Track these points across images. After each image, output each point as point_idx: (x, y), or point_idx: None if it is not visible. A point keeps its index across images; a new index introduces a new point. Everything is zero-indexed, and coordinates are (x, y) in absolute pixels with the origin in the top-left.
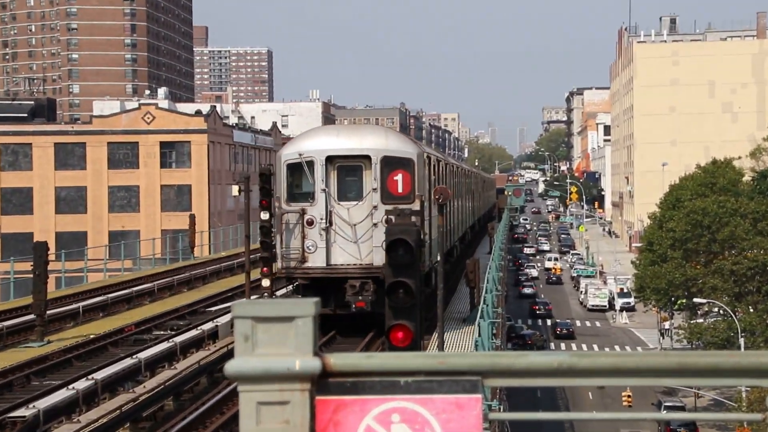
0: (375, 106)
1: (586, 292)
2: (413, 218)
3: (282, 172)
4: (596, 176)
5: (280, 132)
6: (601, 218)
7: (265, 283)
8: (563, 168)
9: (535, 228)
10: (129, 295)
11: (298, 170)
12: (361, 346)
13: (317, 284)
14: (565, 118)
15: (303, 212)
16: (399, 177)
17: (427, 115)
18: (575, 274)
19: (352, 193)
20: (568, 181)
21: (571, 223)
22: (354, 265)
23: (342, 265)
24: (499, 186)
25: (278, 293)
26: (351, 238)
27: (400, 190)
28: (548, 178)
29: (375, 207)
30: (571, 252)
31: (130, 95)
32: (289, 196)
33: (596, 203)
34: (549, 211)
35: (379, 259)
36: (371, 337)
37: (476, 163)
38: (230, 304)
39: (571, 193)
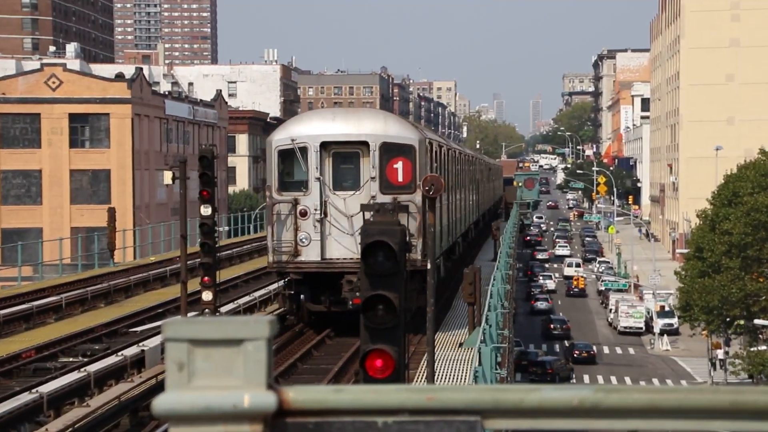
0: (349, 71)
1: (616, 311)
2: (399, 215)
3: (273, 159)
4: (631, 163)
5: (227, 102)
6: (636, 217)
7: (207, 296)
8: (589, 152)
9: (552, 229)
10: (28, 311)
11: (290, 157)
12: (338, 366)
13: (311, 280)
14: (591, 89)
15: (296, 202)
16: (399, 165)
17: (416, 84)
18: (603, 288)
19: (348, 182)
20: (594, 169)
21: (598, 223)
22: (351, 259)
23: (338, 259)
24: (506, 175)
25: (223, 309)
26: (347, 230)
27: (400, 179)
28: (569, 166)
29: (373, 197)
30: (598, 260)
31: (30, 52)
32: (280, 185)
33: (630, 198)
34: (570, 208)
35: None
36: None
37: (477, 146)
38: (161, 323)
39: (598, 185)
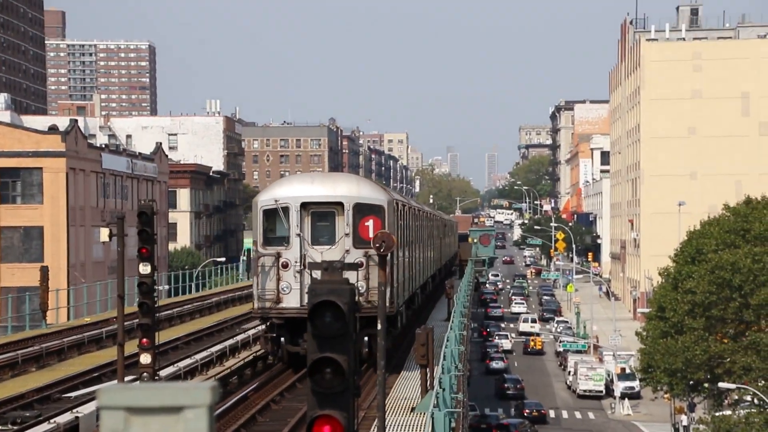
0: (296, 122)
1: (575, 373)
2: (345, 274)
3: (258, 218)
4: (590, 219)
5: (167, 156)
6: (596, 275)
7: (145, 359)
8: (547, 208)
9: (508, 287)
10: None
11: (273, 216)
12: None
13: (291, 324)
14: (549, 141)
15: (278, 255)
16: (370, 223)
17: (366, 136)
18: (561, 349)
19: (324, 238)
20: (553, 224)
21: (557, 281)
22: None
23: None
24: (461, 231)
25: (162, 373)
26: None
27: (371, 234)
28: (527, 221)
29: (347, 251)
30: (557, 319)
31: None
32: (264, 240)
33: (590, 255)
34: (527, 265)
35: None
36: None
37: (431, 200)
38: (96, 389)
39: (556, 242)
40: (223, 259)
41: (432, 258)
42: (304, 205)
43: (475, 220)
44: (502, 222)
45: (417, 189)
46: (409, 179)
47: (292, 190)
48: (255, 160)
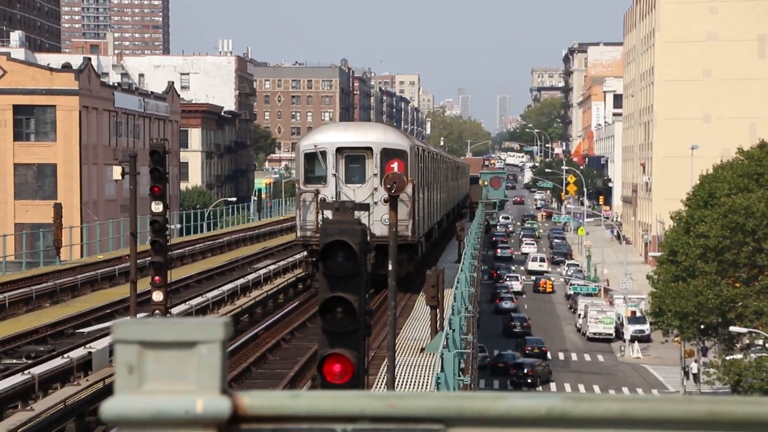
0: (308, 63)
1: (585, 316)
2: (359, 214)
3: (300, 160)
4: (602, 162)
5: (179, 95)
6: (607, 218)
7: (158, 296)
8: (558, 151)
9: (519, 231)
10: None
11: (313, 158)
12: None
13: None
14: (561, 84)
15: (317, 192)
16: (395, 164)
17: (378, 78)
18: (572, 292)
19: (356, 177)
20: (564, 168)
21: (567, 224)
22: None
23: None
24: (472, 173)
25: (174, 310)
26: (356, 213)
27: None
28: (538, 164)
29: (375, 189)
30: (567, 262)
31: None
32: (305, 179)
33: (601, 198)
34: (538, 208)
35: (378, 230)
36: (372, 293)
37: (441, 142)
38: (110, 324)
39: (567, 185)
40: (234, 199)
41: (446, 199)
42: (339, 150)
43: (486, 163)
44: (513, 165)
45: (428, 131)
46: (420, 121)
47: (329, 137)
48: (266, 101)
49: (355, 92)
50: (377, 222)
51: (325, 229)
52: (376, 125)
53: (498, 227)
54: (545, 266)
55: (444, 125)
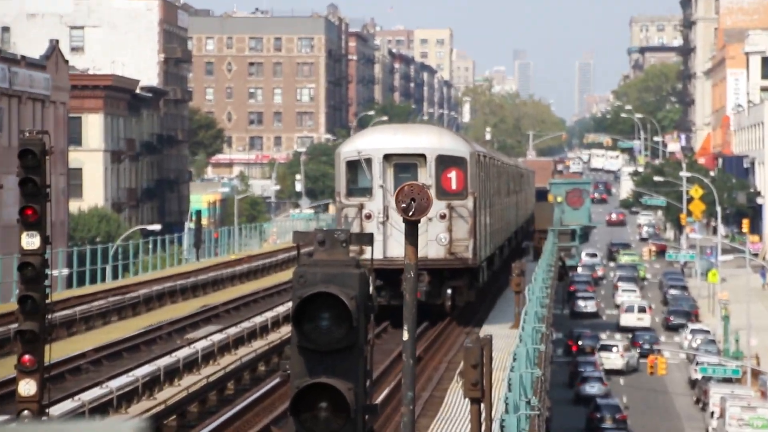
0: (274, 12)
1: (722, 415)
2: (356, 249)
3: (341, 169)
4: (745, 166)
5: (66, 61)
6: (755, 255)
7: (27, 388)
8: (674, 148)
9: (611, 273)
10: None
11: (356, 167)
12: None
13: (375, 274)
14: (678, 42)
15: (361, 207)
16: (453, 174)
17: (386, 33)
18: (699, 376)
19: None
20: (684, 174)
21: (689, 264)
22: None
23: (398, 257)
24: (538, 185)
25: (53, 410)
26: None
27: (453, 186)
28: (641, 170)
29: None
30: (691, 327)
31: None
32: (348, 192)
33: (745, 223)
34: (644, 239)
35: (433, 251)
36: (424, 327)
37: (487, 136)
38: None
39: (690, 202)
40: (156, 227)
41: (509, 218)
42: (387, 157)
43: (559, 168)
44: (601, 170)
45: (465, 117)
46: (453, 102)
47: (375, 141)
48: (209, 71)
49: (350, 56)
50: (432, 242)
51: (303, 274)
52: (429, 128)
53: (579, 268)
54: (646, 320)
55: (491, 108)
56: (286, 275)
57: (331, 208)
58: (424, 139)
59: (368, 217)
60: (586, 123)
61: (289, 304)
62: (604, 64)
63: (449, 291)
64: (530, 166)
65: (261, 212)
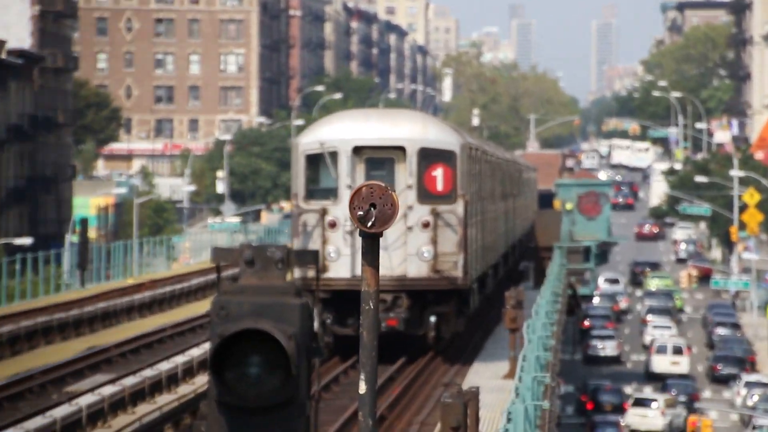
0: None
1: None
2: (298, 272)
3: (300, 165)
4: None
5: None
6: None
7: None
8: (722, 138)
9: (638, 304)
10: None
11: (318, 163)
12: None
13: (339, 298)
14: None
15: (324, 212)
16: (439, 172)
17: None
18: None
19: None
20: (735, 173)
21: (737, 293)
22: (384, 276)
23: None
24: (542, 186)
25: None
26: (381, 244)
27: (439, 187)
28: (678, 165)
29: (410, 207)
30: (744, 379)
31: None
32: (307, 193)
33: None
34: (682, 260)
35: (414, 269)
36: (400, 365)
37: (475, 120)
38: None
39: (743, 210)
40: (27, 240)
41: (503, 230)
42: (357, 150)
43: (569, 163)
44: (626, 167)
45: (447, 95)
46: (431, 74)
47: (342, 131)
48: (101, 31)
49: (290, 13)
50: (413, 257)
51: (224, 305)
52: (410, 114)
53: (596, 299)
54: (684, 365)
55: (480, 84)
56: (202, 306)
57: (264, 217)
58: (403, 129)
59: (332, 225)
60: (605, 104)
61: (206, 346)
62: (631, 24)
63: (433, 319)
64: (531, 161)
65: (169, 221)
